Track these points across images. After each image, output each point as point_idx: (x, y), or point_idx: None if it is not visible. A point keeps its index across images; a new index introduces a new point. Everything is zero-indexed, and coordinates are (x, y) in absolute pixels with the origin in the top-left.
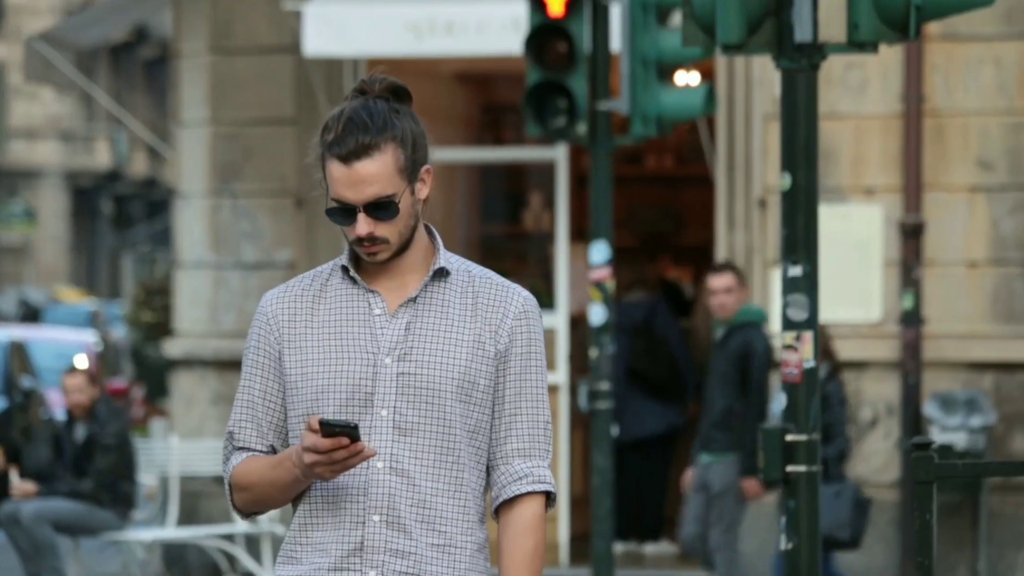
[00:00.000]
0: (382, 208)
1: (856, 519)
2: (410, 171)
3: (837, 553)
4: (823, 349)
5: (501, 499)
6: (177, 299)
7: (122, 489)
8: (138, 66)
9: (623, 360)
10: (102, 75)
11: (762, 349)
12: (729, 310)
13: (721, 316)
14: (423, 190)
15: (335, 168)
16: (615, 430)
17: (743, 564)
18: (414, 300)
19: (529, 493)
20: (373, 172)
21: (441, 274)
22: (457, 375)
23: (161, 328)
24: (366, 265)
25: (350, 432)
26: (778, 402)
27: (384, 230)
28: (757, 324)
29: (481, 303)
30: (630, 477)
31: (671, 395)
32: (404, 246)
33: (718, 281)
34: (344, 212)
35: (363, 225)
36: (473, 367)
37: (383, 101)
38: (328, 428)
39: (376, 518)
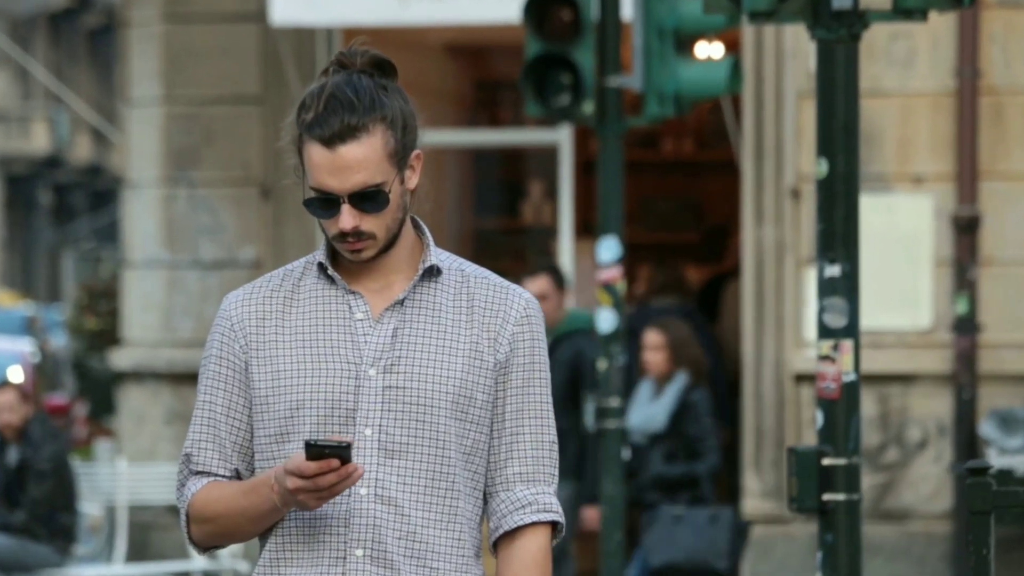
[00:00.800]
0: (369, 199)
1: (736, 548)
2: (400, 156)
3: None
4: (677, 352)
5: (501, 530)
6: (125, 303)
7: (60, 521)
8: (81, 36)
9: None
10: (39, 47)
11: (595, 359)
12: (549, 319)
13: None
14: (413, 178)
15: (316, 152)
16: (626, 453)
17: None
18: (401, 303)
19: (533, 524)
20: (360, 157)
21: (431, 273)
22: (451, 389)
23: (107, 336)
24: (345, 263)
25: (341, 453)
26: (638, 416)
27: (371, 224)
28: (586, 331)
29: (477, 306)
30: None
31: None
32: (391, 242)
33: (531, 287)
34: (325, 203)
35: (347, 218)
36: (469, 380)
37: (368, 76)
38: (316, 450)
39: (359, 552)
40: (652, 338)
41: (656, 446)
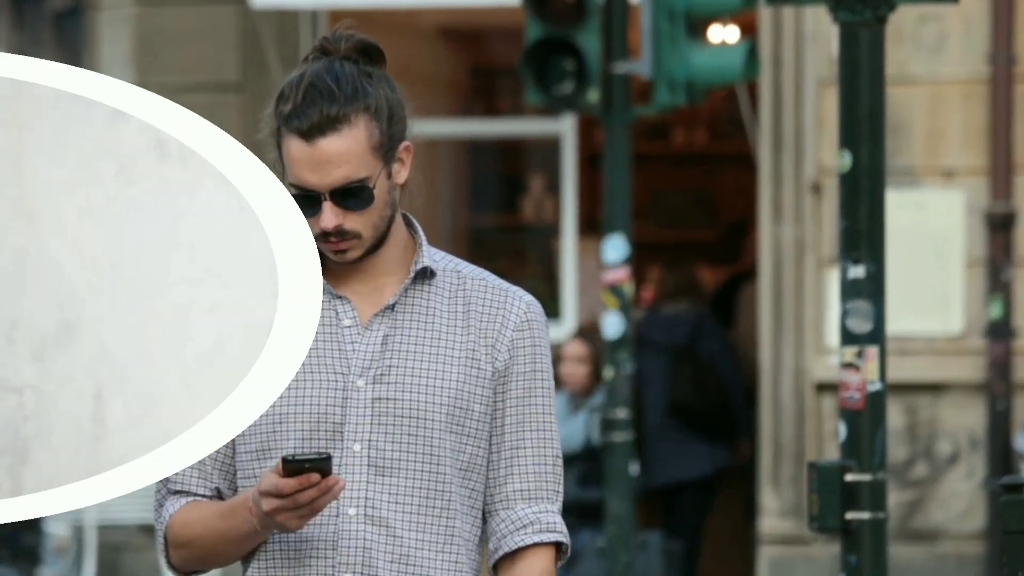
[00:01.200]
0: (353, 195)
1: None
2: (386, 149)
3: None
4: (601, 367)
5: (502, 551)
6: None
7: (24, 542)
8: (46, 19)
9: (663, 389)
10: (2, 30)
11: None
12: None
13: None
14: (401, 172)
15: (294, 146)
16: (634, 469)
17: None
18: (392, 308)
19: (535, 544)
20: (341, 150)
21: (424, 275)
22: (446, 400)
23: None
24: (331, 265)
25: (321, 466)
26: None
27: (355, 222)
28: None
29: (474, 310)
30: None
31: (719, 431)
32: (379, 241)
33: None
34: (305, 200)
35: (329, 216)
36: (466, 390)
37: (351, 63)
38: (295, 465)
39: None
40: (574, 349)
41: (570, 468)
